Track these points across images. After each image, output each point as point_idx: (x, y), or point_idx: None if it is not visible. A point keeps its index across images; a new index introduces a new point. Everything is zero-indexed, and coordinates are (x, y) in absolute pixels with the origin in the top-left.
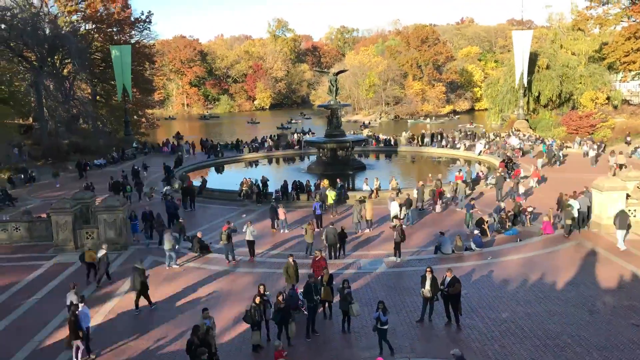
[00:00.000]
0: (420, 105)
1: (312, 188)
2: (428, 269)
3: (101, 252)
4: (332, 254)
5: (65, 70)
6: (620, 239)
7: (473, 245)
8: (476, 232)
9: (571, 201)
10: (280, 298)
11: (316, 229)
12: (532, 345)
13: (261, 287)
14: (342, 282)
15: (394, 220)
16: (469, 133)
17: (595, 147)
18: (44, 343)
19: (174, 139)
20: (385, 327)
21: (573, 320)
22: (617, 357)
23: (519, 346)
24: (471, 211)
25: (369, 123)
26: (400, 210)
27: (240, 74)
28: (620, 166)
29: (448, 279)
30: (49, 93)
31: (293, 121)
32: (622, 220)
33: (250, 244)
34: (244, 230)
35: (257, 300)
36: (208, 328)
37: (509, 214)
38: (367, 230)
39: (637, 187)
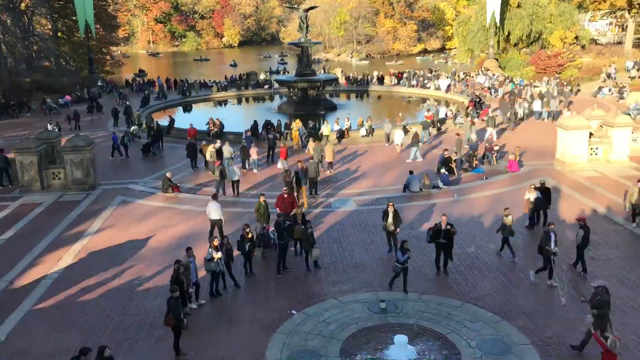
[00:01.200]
0: (391, 44)
1: (283, 128)
2: (390, 203)
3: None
4: (313, 189)
5: (22, 4)
6: None
7: (440, 184)
8: (443, 170)
9: None
10: (247, 230)
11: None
12: (494, 279)
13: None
14: (306, 223)
15: (397, 147)
16: (434, 71)
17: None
18: (14, 283)
19: (139, 78)
20: (405, 265)
21: (534, 254)
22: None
23: (483, 280)
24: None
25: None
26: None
27: (207, 9)
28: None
29: (443, 225)
30: (7, 28)
31: (284, 61)
32: None
33: (236, 183)
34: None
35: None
36: (179, 267)
37: (476, 153)
38: (328, 172)
39: (600, 125)
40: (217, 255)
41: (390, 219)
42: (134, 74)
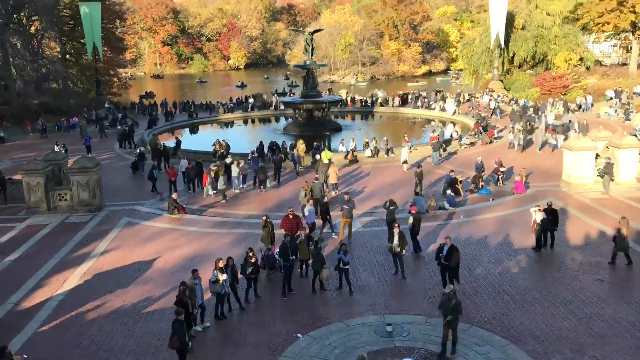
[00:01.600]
0: (396, 66)
1: (289, 150)
2: (396, 225)
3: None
4: (318, 210)
5: (32, 28)
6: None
7: (446, 205)
8: (449, 191)
9: None
10: (251, 254)
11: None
12: (502, 301)
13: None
14: (315, 243)
15: (404, 164)
16: (439, 92)
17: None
18: (19, 305)
19: (148, 100)
20: (347, 267)
21: (542, 277)
22: (582, 311)
23: (490, 302)
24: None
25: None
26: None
27: (214, 32)
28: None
29: (446, 247)
30: (16, 51)
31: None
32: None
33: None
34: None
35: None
36: (184, 289)
37: (482, 174)
38: (332, 193)
39: (607, 147)
40: (222, 277)
41: (396, 241)
42: (139, 95)
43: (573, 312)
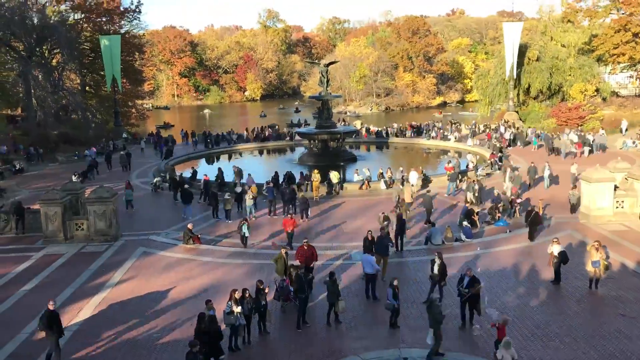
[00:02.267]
0: (410, 97)
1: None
2: (437, 253)
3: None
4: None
5: (54, 61)
6: None
7: (463, 237)
8: (465, 223)
9: None
10: (261, 286)
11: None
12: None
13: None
14: (330, 275)
15: (412, 187)
16: (454, 123)
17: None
18: (35, 335)
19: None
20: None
21: (562, 310)
22: (603, 346)
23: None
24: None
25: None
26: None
27: (230, 64)
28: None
29: (467, 278)
30: (38, 83)
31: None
32: None
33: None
34: None
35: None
36: (212, 317)
37: (499, 205)
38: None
39: (625, 178)
40: (237, 309)
41: (436, 270)
42: (156, 126)
43: (594, 348)
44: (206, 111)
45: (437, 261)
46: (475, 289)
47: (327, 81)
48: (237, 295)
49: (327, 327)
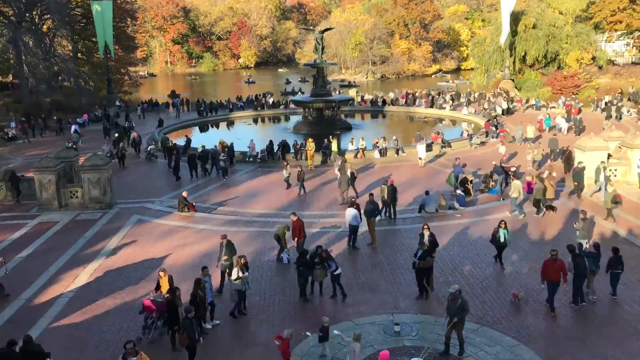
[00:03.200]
0: (406, 65)
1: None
2: (425, 226)
3: None
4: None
5: (44, 27)
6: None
7: (456, 204)
8: (459, 191)
9: None
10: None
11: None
12: (511, 301)
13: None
14: (317, 248)
15: (420, 161)
16: (452, 92)
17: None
18: (31, 301)
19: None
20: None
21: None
22: (593, 312)
23: (499, 302)
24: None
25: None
26: None
27: (224, 31)
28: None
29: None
30: (29, 49)
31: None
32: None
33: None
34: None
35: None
36: (199, 286)
37: (491, 174)
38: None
39: (619, 147)
40: (245, 274)
41: (426, 241)
42: (168, 95)
43: (584, 313)
44: (189, 78)
45: (426, 233)
46: (425, 262)
47: (322, 48)
48: (242, 261)
49: (322, 295)
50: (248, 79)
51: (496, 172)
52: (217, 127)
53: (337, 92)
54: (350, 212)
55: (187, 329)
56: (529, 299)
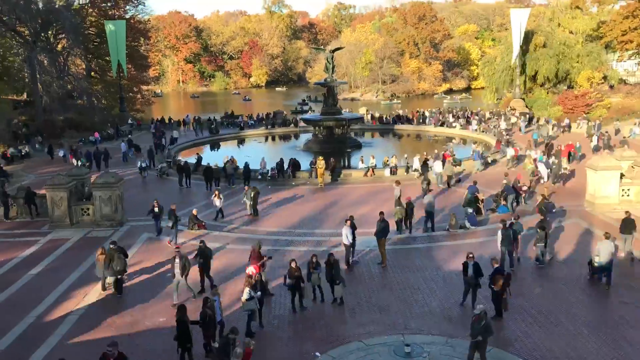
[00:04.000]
0: (416, 84)
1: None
2: (470, 255)
3: None
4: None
5: (59, 46)
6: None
7: (467, 224)
8: (470, 210)
9: None
10: (293, 265)
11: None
12: (524, 322)
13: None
14: (311, 257)
15: (435, 177)
16: (459, 111)
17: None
18: (41, 318)
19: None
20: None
21: (566, 298)
22: (605, 333)
23: (512, 322)
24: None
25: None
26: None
27: (236, 50)
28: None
29: (470, 264)
30: (43, 68)
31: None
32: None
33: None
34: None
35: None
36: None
37: (502, 193)
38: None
39: (632, 166)
40: (257, 294)
41: (470, 272)
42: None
43: (597, 334)
44: (246, 98)
45: (471, 262)
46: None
47: (333, 67)
48: (254, 281)
49: (331, 312)
50: (245, 98)
51: (507, 192)
52: (228, 144)
53: (347, 110)
54: (345, 230)
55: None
56: (541, 319)
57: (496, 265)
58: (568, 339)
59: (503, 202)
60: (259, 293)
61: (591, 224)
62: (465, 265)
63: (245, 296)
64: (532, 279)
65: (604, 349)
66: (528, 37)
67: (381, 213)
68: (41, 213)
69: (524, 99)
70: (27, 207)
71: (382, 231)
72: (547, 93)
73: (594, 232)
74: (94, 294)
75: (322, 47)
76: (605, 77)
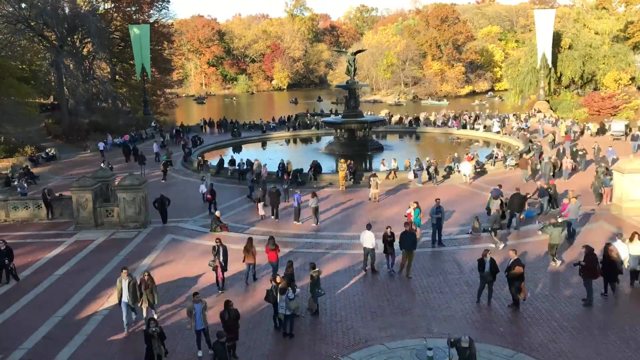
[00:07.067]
0: (439, 86)
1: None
2: (488, 252)
3: None
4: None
5: (85, 50)
6: None
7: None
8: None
9: None
10: (278, 279)
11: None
12: (549, 327)
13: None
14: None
15: (465, 177)
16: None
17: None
18: (67, 318)
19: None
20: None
21: (593, 303)
22: (635, 340)
23: (536, 328)
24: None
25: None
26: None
27: (258, 53)
28: None
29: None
30: (69, 72)
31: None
32: None
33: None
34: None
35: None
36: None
37: (538, 199)
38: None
39: None
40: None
41: (487, 269)
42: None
43: (625, 341)
44: (228, 100)
45: (487, 258)
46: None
47: (355, 70)
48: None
49: (352, 315)
50: (294, 99)
51: (540, 195)
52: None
53: (369, 113)
54: (366, 234)
55: (220, 354)
56: (566, 325)
57: (515, 257)
58: (595, 346)
59: (527, 206)
60: (298, 290)
61: (619, 227)
62: (481, 261)
63: (289, 295)
64: (559, 285)
65: (632, 356)
66: (553, 38)
67: (406, 223)
68: (66, 214)
69: (548, 101)
70: (47, 209)
71: (413, 243)
72: (573, 95)
73: (623, 236)
74: (114, 296)
75: (343, 49)
76: (632, 79)
